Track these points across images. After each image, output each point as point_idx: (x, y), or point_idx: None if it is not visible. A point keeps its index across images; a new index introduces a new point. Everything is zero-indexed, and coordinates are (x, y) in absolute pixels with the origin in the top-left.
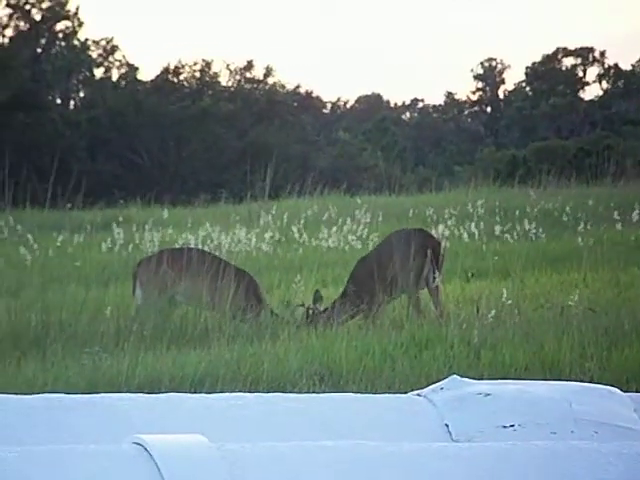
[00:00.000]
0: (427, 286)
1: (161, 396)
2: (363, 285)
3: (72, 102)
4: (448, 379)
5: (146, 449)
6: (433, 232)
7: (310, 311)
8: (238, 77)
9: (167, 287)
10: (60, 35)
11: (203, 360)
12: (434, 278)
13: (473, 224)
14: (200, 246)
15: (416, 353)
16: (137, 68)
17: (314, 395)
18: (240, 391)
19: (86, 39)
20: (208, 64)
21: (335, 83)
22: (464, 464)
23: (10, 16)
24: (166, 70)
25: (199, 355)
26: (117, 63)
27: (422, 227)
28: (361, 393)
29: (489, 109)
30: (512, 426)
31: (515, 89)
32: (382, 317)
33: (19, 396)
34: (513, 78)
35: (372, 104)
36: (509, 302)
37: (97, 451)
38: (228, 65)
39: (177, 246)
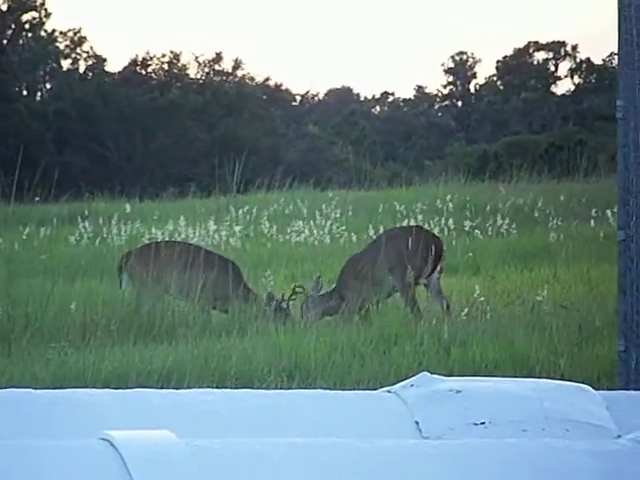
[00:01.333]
0: (428, 283)
1: (128, 391)
2: (353, 282)
3: (39, 94)
4: (418, 376)
5: (113, 445)
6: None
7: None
8: (207, 69)
9: (160, 280)
10: (27, 26)
11: (170, 355)
12: (437, 274)
13: (443, 219)
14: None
15: (385, 349)
16: (105, 60)
17: (283, 391)
18: (208, 387)
19: (53, 30)
20: (176, 56)
21: (305, 76)
22: (434, 461)
23: None
24: (134, 62)
25: (166, 350)
26: (84, 54)
27: (394, 223)
28: (330, 390)
29: (460, 103)
30: (483, 423)
31: (486, 83)
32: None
33: None
34: (484, 72)
35: (342, 97)
36: (480, 299)
37: (64, 446)
38: (197, 57)
39: (145, 240)
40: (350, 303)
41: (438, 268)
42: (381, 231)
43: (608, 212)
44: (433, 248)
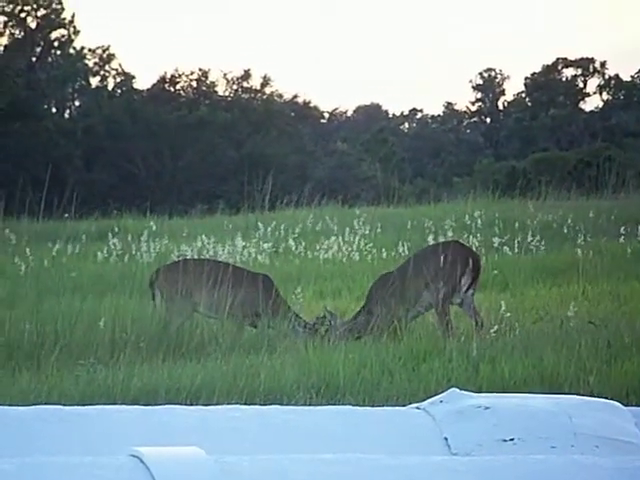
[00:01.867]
0: (462, 300)
1: (158, 408)
2: (383, 300)
3: (67, 111)
4: (447, 392)
5: (143, 461)
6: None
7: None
8: (235, 87)
9: (191, 296)
10: (55, 43)
11: (199, 372)
12: (472, 290)
13: (472, 236)
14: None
15: (414, 366)
16: (133, 77)
17: (312, 408)
18: (236, 403)
19: (82, 47)
20: (205, 73)
21: (333, 93)
22: (463, 478)
23: (5, 24)
24: (163, 79)
25: (195, 367)
26: (113, 72)
27: (424, 240)
28: (359, 406)
29: (488, 120)
30: (512, 440)
31: (514, 100)
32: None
33: (16, 407)
34: (512, 89)
35: (370, 114)
36: (508, 315)
37: (94, 463)
38: (225, 74)
39: (174, 257)
40: (381, 321)
41: (475, 283)
42: (408, 247)
43: (636, 228)
44: (471, 262)
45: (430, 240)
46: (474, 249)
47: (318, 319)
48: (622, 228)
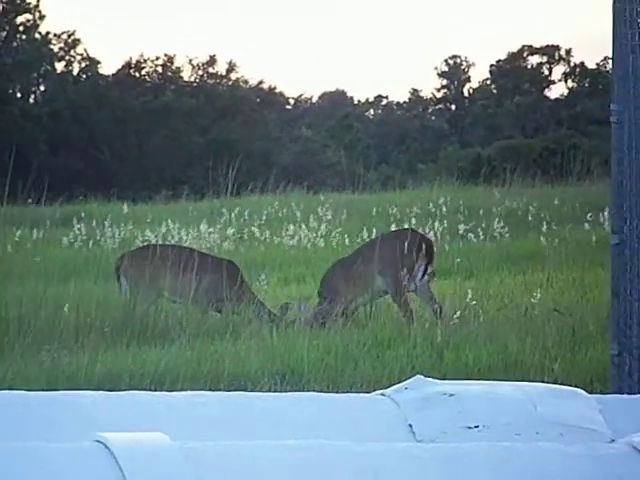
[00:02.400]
0: (417, 285)
1: (122, 394)
2: (338, 287)
3: (33, 96)
4: (412, 379)
5: (107, 447)
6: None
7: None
8: (201, 72)
9: (156, 282)
10: (21, 28)
11: (163, 358)
12: (427, 276)
13: (437, 223)
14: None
15: (379, 352)
16: (99, 62)
17: (277, 394)
18: (201, 389)
19: (47, 32)
20: (170, 59)
21: (298, 79)
22: (427, 465)
23: None
24: (128, 64)
25: (159, 352)
26: (78, 57)
27: (388, 227)
28: (323, 392)
29: (454, 107)
30: (477, 427)
31: (480, 87)
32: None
33: None
34: (478, 76)
35: (336, 101)
36: (473, 302)
37: (59, 448)
38: (191, 60)
39: (139, 242)
40: (337, 306)
41: (429, 270)
42: (374, 234)
43: (600, 215)
44: (424, 248)
45: (393, 227)
46: (430, 236)
47: (282, 308)
48: (587, 215)
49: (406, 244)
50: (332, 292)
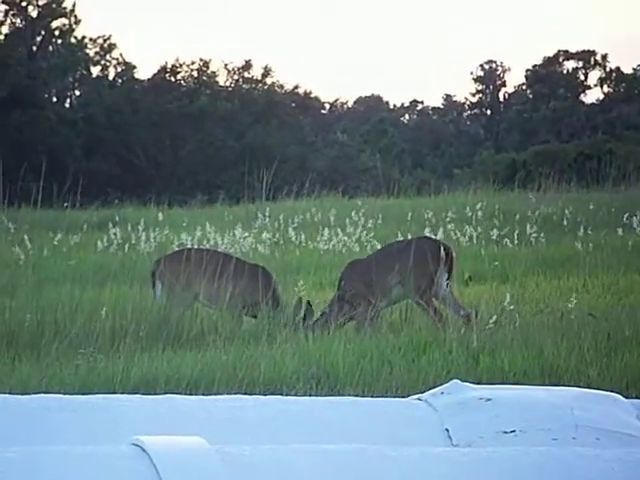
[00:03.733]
0: (439, 292)
1: (159, 398)
2: (357, 289)
3: (68, 100)
4: (449, 383)
5: (144, 450)
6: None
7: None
8: (236, 77)
9: (191, 286)
10: (56, 32)
11: (199, 362)
12: (448, 284)
13: (472, 228)
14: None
15: (414, 357)
16: (134, 66)
17: (313, 398)
18: (236, 393)
19: (83, 37)
20: (206, 63)
21: (334, 84)
22: (464, 469)
23: (6, 13)
24: (163, 69)
25: (195, 357)
26: (114, 61)
27: (423, 231)
28: (359, 397)
29: (489, 112)
30: (513, 432)
31: (515, 92)
32: (379, 322)
33: (16, 396)
34: (513, 81)
35: (371, 105)
36: (509, 307)
37: (95, 452)
38: (226, 64)
39: (174, 246)
40: (349, 309)
41: (450, 276)
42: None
43: (634, 220)
44: (443, 254)
45: (427, 232)
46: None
47: (295, 307)
48: (623, 220)
49: (423, 251)
50: (350, 293)
